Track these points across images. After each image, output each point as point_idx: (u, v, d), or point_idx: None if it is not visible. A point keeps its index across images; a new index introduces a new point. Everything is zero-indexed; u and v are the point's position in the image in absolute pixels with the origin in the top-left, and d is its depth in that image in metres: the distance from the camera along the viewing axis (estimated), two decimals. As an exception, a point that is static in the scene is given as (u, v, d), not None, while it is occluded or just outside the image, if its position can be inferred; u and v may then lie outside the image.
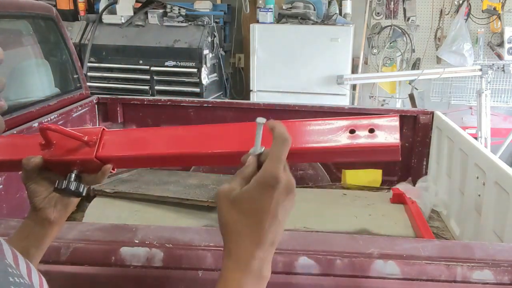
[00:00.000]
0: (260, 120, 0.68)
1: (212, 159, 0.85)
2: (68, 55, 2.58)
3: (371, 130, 0.76)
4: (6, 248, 0.59)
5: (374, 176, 2.49)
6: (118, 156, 0.87)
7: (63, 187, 0.84)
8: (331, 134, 0.77)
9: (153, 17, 4.22)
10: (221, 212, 0.67)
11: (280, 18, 4.30)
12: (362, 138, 0.76)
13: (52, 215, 0.87)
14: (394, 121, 0.77)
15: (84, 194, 0.87)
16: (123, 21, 4.23)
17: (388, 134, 0.76)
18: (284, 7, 4.31)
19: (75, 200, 0.91)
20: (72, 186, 0.85)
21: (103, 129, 0.89)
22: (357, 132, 0.76)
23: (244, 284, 0.64)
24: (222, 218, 0.67)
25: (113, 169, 0.88)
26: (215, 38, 4.29)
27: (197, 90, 4.14)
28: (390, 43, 4.58)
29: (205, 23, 4.15)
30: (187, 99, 2.83)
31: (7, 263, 0.55)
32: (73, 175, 0.86)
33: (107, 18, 4.28)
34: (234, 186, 0.65)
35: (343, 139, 0.76)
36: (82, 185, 0.87)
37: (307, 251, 1.10)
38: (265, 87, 4.32)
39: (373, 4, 4.57)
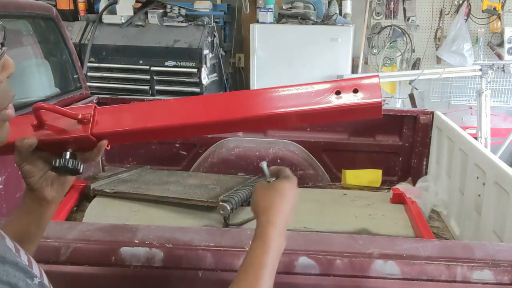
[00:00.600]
0: (263, 164, 0.95)
1: (201, 128, 0.92)
2: (68, 55, 2.58)
3: (355, 91, 0.83)
4: (8, 241, 0.61)
5: (374, 176, 2.49)
6: (113, 131, 0.88)
7: (60, 165, 0.84)
8: (319, 97, 0.84)
9: (153, 17, 4.21)
10: (258, 196, 0.91)
11: (280, 18, 4.30)
12: (348, 98, 0.83)
13: (50, 195, 0.87)
14: (375, 80, 0.84)
15: (81, 171, 0.87)
16: (123, 21, 4.23)
17: (371, 93, 0.83)
18: (284, 7, 4.31)
19: (71, 179, 0.91)
20: (70, 164, 0.85)
21: (95, 106, 0.90)
22: (342, 93, 0.84)
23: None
24: (267, 197, 0.90)
25: (107, 145, 0.88)
26: (215, 38, 4.29)
27: (197, 90, 4.14)
28: (390, 43, 4.58)
29: (205, 23, 4.15)
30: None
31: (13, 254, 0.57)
32: (68, 153, 0.86)
33: (107, 18, 4.28)
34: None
35: (332, 100, 0.83)
36: (79, 162, 0.87)
37: (307, 251, 1.10)
38: (265, 87, 4.31)
39: (373, 4, 4.57)
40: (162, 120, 0.89)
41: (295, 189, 0.93)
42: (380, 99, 0.83)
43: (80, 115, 0.87)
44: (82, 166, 0.87)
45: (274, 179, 0.95)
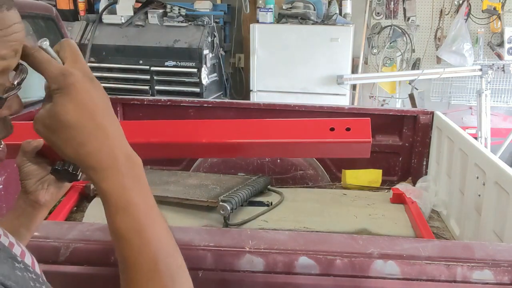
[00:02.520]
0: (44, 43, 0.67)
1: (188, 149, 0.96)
2: (68, 55, 2.58)
3: (348, 129, 0.91)
4: (3, 232, 0.63)
5: (374, 176, 2.49)
6: None
7: (61, 168, 0.86)
8: (315, 131, 0.91)
9: (153, 17, 4.22)
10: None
11: (280, 18, 4.30)
12: (341, 135, 0.90)
13: (43, 198, 0.89)
14: (367, 123, 0.91)
15: (79, 178, 0.88)
16: (123, 21, 4.23)
17: (361, 133, 0.91)
18: (284, 7, 4.31)
19: (67, 185, 0.93)
20: (70, 168, 0.86)
21: None
22: (336, 130, 0.90)
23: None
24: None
25: None
26: (215, 38, 4.29)
27: (197, 90, 4.14)
28: (390, 43, 4.58)
29: (205, 23, 4.15)
30: (187, 99, 2.83)
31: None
32: None
33: (107, 18, 4.28)
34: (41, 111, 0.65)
35: (326, 135, 0.90)
36: (79, 169, 0.87)
37: (307, 251, 1.10)
38: (265, 87, 4.32)
39: (373, 4, 4.57)
40: (168, 137, 0.92)
41: (92, 88, 0.64)
42: (369, 139, 0.90)
43: None
44: (81, 173, 0.88)
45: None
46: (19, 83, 0.62)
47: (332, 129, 0.90)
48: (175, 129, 0.95)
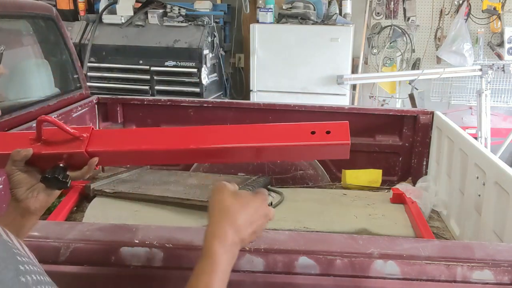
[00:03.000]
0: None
1: (189, 155, 1.00)
2: (68, 55, 2.58)
3: (328, 132, 0.96)
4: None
5: (374, 176, 2.49)
6: (106, 151, 0.95)
7: (51, 176, 0.89)
8: (297, 134, 0.96)
9: (153, 17, 4.22)
10: (222, 196, 0.87)
11: (280, 18, 4.30)
12: (321, 138, 0.95)
13: (33, 206, 0.92)
14: (345, 126, 0.97)
15: (68, 186, 0.92)
16: (123, 21, 4.23)
17: (341, 135, 0.96)
18: (284, 7, 4.31)
19: (56, 192, 0.96)
20: (60, 176, 0.90)
21: (92, 128, 0.98)
22: (316, 134, 0.95)
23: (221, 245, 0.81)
24: (222, 201, 0.87)
25: (97, 165, 0.95)
26: (215, 38, 4.29)
27: (197, 90, 4.14)
28: (390, 43, 4.58)
29: (205, 23, 4.15)
30: (187, 99, 2.82)
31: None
32: (61, 165, 0.92)
33: (107, 18, 4.28)
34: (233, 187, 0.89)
35: (307, 138, 0.95)
36: (69, 176, 0.92)
37: (307, 251, 1.10)
38: (265, 87, 4.32)
39: (373, 4, 4.57)
40: (152, 144, 0.96)
41: (262, 205, 0.89)
42: (348, 141, 0.96)
43: (77, 133, 0.95)
44: (70, 181, 0.92)
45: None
46: None
47: (313, 133, 0.95)
48: (153, 136, 0.99)
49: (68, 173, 0.93)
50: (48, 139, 0.94)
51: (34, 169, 0.92)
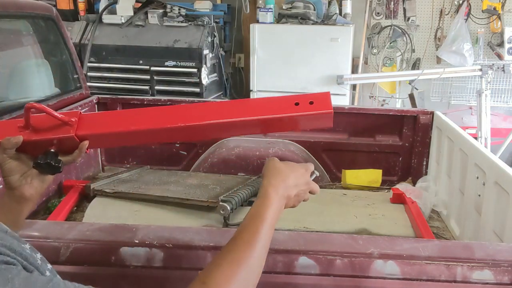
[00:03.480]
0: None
1: (172, 132, 1.02)
2: (68, 55, 2.58)
3: (311, 102, 1.00)
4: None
5: (374, 176, 2.49)
6: (96, 133, 0.97)
7: (43, 161, 0.91)
8: (282, 106, 1.00)
9: (153, 17, 4.21)
10: (274, 162, 0.99)
11: (280, 18, 4.30)
12: (305, 108, 1.00)
13: (28, 192, 0.93)
14: (327, 96, 1.02)
15: (61, 170, 0.94)
16: (123, 21, 4.23)
17: (324, 105, 1.00)
18: (284, 7, 4.31)
19: (50, 177, 0.97)
20: (52, 161, 0.91)
21: (80, 112, 0.99)
22: (300, 104, 1.00)
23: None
24: (275, 164, 0.99)
25: (87, 148, 0.97)
26: (215, 38, 4.29)
27: (197, 90, 4.14)
28: (390, 43, 4.58)
29: (205, 23, 4.15)
30: (187, 99, 2.83)
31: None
32: (52, 151, 0.93)
33: (107, 18, 4.28)
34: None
35: (292, 109, 0.99)
36: (61, 161, 0.93)
37: (307, 251, 1.10)
38: (265, 87, 4.32)
39: (373, 4, 4.57)
40: (139, 124, 0.99)
41: (306, 174, 1.02)
42: (331, 110, 1.00)
43: (66, 118, 0.96)
44: (63, 165, 0.94)
45: None
46: None
47: (297, 104, 1.00)
48: (140, 116, 1.01)
49: (60, 158, 0.94)
50: (37, 125, 0.95)
51: (25, 156, 0.93)
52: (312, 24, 4.19)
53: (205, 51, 4.08)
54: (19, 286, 0.59)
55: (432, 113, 2.48)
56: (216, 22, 4.41)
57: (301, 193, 1.01)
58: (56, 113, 0.95)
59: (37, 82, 2.42)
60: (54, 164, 0.92)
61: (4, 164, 0.91)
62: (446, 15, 4.48)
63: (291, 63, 4.22)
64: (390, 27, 4.55)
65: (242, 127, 1.04)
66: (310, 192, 1.04)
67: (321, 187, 2.59)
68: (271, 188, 0.94)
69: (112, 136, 0.99)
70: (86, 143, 0.96)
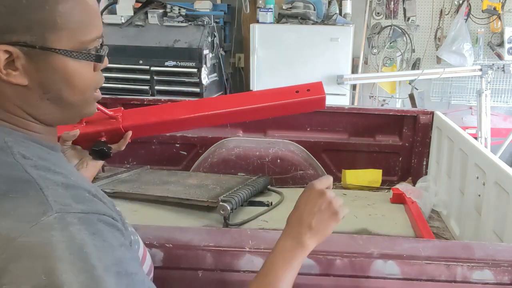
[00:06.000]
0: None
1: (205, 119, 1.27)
2: (68, 55, 2.57)
3: (308, 90, 1.30)
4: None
5: (374, 176, 2.49)
6: (137, 124, 1.19)
7: (98, 148, 1.11)
8: (286, 94, 1.32)
9: (153, 17, 4.21)
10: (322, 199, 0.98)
11: (280, 18, 4.30)
12: (304, 95, 1.30)
13: (86, 175, 1.11)
14: (320, 84, 1.33)
15: (111, 156, 1.15)
16: (123, 21, 4.22)
17: (318, 91, 1.32)
18: (284, 7, 4.31)
19: (101, 162, 1.17)
20: (105, 147, 1.12)
21: (122, 108, 1.22)
22: (299, 92, 1.31)
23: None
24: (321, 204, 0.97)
25: (130, 138, 1.18)
26: (215, 38, 4.29)
27: (197, 90, 4.13)
28: (390, 43, 4.58)
29: (205, 23, 4.15)
30: (187, 99, 2.82)
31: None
32: (103, 140, 1.14)
33: (107, 18, 4.27)
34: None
35: (294, 96, 1.30)
36: (111, 148, 1.15)
37: (307, 251, 1.10)
38: (265, 87, 4.27)
39: (373, 4, 4.57)
40: (171, 115, 1.21)
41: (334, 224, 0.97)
42: (323, 95, 1.30)
43: (113, 114, 1.18)
44: (111, 152, 1.15)
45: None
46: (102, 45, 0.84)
47: (297, 92, 1.29)
48: (172, 109, 1.26)
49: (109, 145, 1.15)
50: (90, 120, 1.14)
51: (79, 146, 1.13)
52: (312, 24, 4.19)
53: (205, 51, 4.08)
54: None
55: (432, 113, 2.47)
56: (216, 22, 4.41)
57: (325, 219, 0.96)
58: (106, 110, 1.15)
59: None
60: (106, 151, 1.12)
61: (65, 153, 1.07)
62: (446, 15, 4.48)
63: (291, 63, 4.22)
64: (390, 27, 4.55)
65: (258, 112, 1.29)
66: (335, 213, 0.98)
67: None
68: (312, 237, 0.92)
69: (150, 126, 1.20)
70: (129, 133, 1.16)
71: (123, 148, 1.18)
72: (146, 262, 0.90)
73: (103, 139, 1.14)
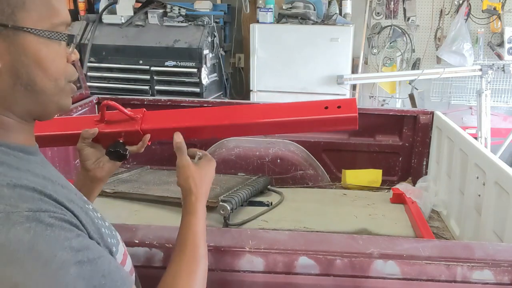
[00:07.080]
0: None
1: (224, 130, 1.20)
2: (68, 55, 2.57)
3: (339, 107, 1.12)
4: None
5: (374, 176, 2.49)
6: (156, 128, 1.14)
7: (114, 149, 1.10)
8: (314, 109, 1.14)
9: (153, 17, 4.21)
10: (189, 171, 1.06)
11: (280, 18, 4.30)
12: (334, 112, 1.12)
13: (100, 174, 1.11)
14: (353, 101, 1.14)
15: (127, 157, 1.13)
16: (123, 21, 4.22)
17: (350, 109, 1.12)
18: (284, 7, 4.31)
19: (118, 163, 1.14)
20: (121, 149, 1.10)
21: (144, 109, 1.18)
22: (329, 108, 1.13)
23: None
24: (192, 174, 1.06)
25: (149, 141, 1.14)
26: (215, 38, 4.29)
27: (197, 90, 4.14)
28: (390, 43, 4.58)
29: (205, 23, 4.15)
30: (187, 99, 2.83)
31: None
32: (120, 141, 1.12)
33: (107, 18, 4.27)
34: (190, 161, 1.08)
35: (322, 112, 1.13)
36: (128, 150, 1.12)
37: (307, 251, 1.10)
38: (265, 87, 4.32)
39: (373, 4, 4.57)
40: (194, 121, 1.16)
41: (213, 168, 1.13)
42: (356, 114, 1.11)
43: (133, 114, 1.15)
44: (129, 153, 1.12)
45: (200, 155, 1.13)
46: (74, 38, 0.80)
47: (326, 108, 1.13)
48: (193, 115, 1.20)
49: (126, 147, 1.12)
50: (110, 119, 1.14)
51: (98, 145, 1.11)
52: (312, 24, 4.19)
53: (205, 51, 4.08)
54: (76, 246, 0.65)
55: (432, 113, 2.47)
56: (216, 22, 4.41)
57: (209, 180, 1.11)
58: (126, 110, 1.13)
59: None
60: (122, 153, 1.10)
61: (83, 151, 1.09)
62: (446, 15, 4.48)
63: (291, 63, 4.22)
64: (390, 27, 4.55)
65: (283, 127, 1.19)
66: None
67: (321, 187, 2.60)
68: (199, 203, 1.05)
69: (169, 131, 1.14)
70: (148, 136, 1.13)
71: (141, 150, 1.15)
72: (126, 266, 0.87)
73: (121, 140, 1.12)
